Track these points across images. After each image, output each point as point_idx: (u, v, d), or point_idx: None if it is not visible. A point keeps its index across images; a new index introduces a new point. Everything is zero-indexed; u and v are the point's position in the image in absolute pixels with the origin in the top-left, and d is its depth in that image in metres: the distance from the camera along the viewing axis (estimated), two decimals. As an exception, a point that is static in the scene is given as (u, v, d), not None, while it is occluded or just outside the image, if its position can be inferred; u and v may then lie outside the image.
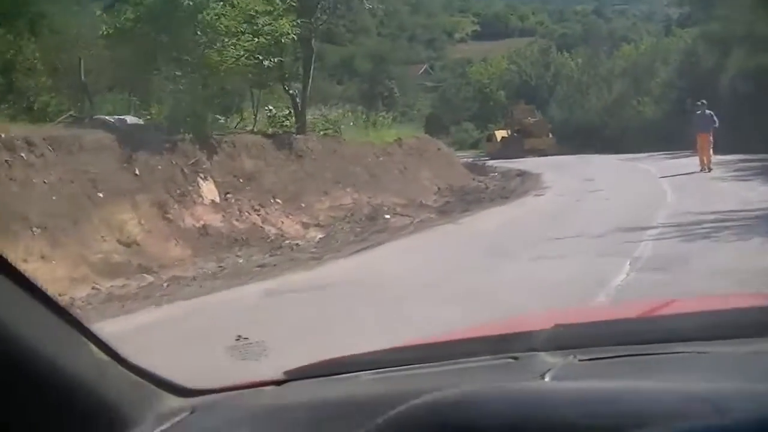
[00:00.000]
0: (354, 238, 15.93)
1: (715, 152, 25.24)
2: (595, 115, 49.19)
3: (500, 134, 51.85)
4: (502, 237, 13.53)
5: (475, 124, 60.53)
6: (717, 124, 24.74)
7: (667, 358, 1.50)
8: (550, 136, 49.96)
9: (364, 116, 36.44)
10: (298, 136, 21.60)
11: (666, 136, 40.03)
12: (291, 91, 22.54)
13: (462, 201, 22.53)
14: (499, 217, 17.70)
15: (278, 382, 1.70)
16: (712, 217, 13.15)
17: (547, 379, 1.40)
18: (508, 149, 48.41)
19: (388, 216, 19.20)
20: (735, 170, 24.01)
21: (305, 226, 17.62)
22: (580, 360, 1.53)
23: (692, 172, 24.01)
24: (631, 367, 1.50)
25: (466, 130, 60.69)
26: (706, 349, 1.51)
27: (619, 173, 26.74)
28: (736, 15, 38.89)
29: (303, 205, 18.65)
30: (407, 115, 49.77)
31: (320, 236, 16.70)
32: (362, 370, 1.71)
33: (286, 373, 1.72)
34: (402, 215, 19.46)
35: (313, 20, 22.11)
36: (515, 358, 1.62)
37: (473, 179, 30.13)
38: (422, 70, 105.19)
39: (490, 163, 41.50)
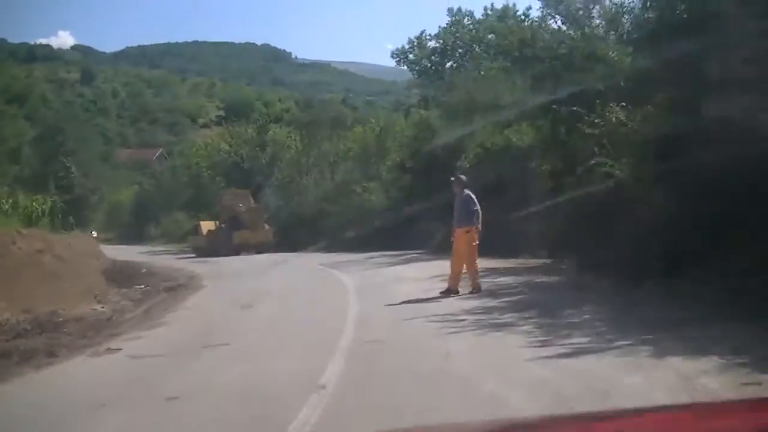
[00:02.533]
0: None
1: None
2: (317, 203, 38.52)
3: (207, 226, 39.85)
4: None
5: (188, 213, 48.37)
6: (478, 213, 14.49)
7: None
8: (267, 227, 38.47)
9: (9, 201, 24.64)
10: None
11: (399, 230, 29.83)
12: None
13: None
14: None
15: None
16: None
17: None
18: (216, 244, 36.79)
19: None
20: (485, 297, 13.51)
21: None
22: None
23: (421, 300, 13.54)
24: None
25: (176, 221, 48.68)
26: None
27: (301, 296, 15.70)
28: (475, 88, 30.04)
29: None
30: (82, 201, 37.07)
31: None
32: None
33: None
34: None
35: None
36: None
37: (96, 297, 18.23)
38: (158, 154, 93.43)
39: (170, 264, 29.61)
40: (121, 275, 22.60)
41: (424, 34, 50.44)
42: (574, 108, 21.41)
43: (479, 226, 14.33)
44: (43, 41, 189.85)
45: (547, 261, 18.88)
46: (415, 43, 53.87)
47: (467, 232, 14.30)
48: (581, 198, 19.07)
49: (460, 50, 53.98)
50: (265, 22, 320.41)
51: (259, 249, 36.55)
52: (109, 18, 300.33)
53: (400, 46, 56.40)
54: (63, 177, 36.78)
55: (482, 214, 19.71)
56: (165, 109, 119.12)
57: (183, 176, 54.23)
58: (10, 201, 26.03)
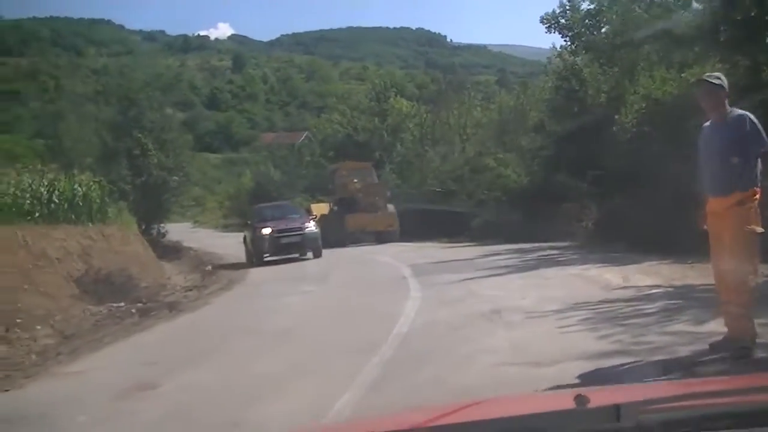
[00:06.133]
0: None
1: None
2: (443, 182, 29.83)
3: (319, 209, 29.92)
4: None
5: (311, 195, 40.29)
6: (764, 149, 5.60)
7: None
8: (390, 209, 28.96)
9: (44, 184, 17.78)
10: None
11: (539, 214, 21.18)
12: None
13: None
14: None
15: None
16: None
17: None
18: (330, 231, 27.45)
19: None
20: None
21: None
22: None
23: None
24: None
25: (293, 204, 41.12)
26: None
27: (278, 356, 7.25)
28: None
29: None
30: (160, 184, 29.81)
31: None
32: None
33: None
34: None
35: None
36: None
37: (8, 330, 10.68)
38: (302, 137, 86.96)
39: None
40: (113, 285, 14.68)
41: (577, -5, 41.09)
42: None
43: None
44: (203, 33, 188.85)
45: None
46: (567, 6, 44.19)
47: (740, 203, 5.62)
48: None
49: (617, 11, 43.61)
50: (419, 6, 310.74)
51: (380, 237, 27.69)
52: (265, 8, 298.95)
53: (550, 11, 46.10)
54: (138, 156, 29.35)
55: (652, 194, 11.84)
56: (315, 93, 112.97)
57: (306, 156, 46.80)
58: (44, 183, 18.85)
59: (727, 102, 5.74)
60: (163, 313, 11.85)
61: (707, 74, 6.42)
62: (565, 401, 1.69)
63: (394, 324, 8.29)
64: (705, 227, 5.87)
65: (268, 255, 21.33)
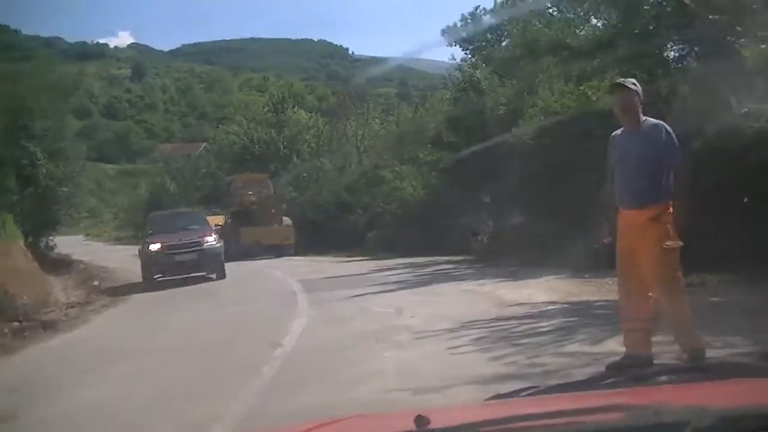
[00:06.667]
0: None
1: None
2: (339, 194, 29.49)
3: (215, 221, 29.17)
4: None
5: (206, 207, 39.03)
6: (678, 161, 5.40)
7: None
8: (285, 222, 28.44)
9: None
10: None
11: (435, 227, 20.91)
12: None
13: None
14: None
15: None
16: None
17: None
18: (225, 245, 26.10)
19: None
20: None
21: None
22: None
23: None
24: None
25: (186, 217, 40.01)
26: None
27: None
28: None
29: None
30: (48, 195, 28.52)
31: None
32: None
33: None
34: None
35: None
36: None
37: None
38: (200, 148, 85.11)
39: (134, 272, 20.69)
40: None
41: (478, 10, 41.34)
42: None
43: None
44: (102, 41, 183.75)
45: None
46: (469, 20, 44.42)
47: (656, 218, 5.32)
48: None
49: (518, 27, 44.12)
50: (322, 19, 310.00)
51: (276, 250, 27.03)
52: (167, 17, 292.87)
53: (452, 23, 46.14)
54: (26, 165, 27.93)
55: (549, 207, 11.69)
56: (215, 104, 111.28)
57: (202, 168, 45.81)
58: None
59: (639, 103, 5.48)
60: (38, 332, 11.10)
61: (622, 79, 6.19)
62: (407, 422, 1.57)
63: (277, 344, 7.84)
64: (606, 241, 5.66)
65: (159, 275, 18.08)
